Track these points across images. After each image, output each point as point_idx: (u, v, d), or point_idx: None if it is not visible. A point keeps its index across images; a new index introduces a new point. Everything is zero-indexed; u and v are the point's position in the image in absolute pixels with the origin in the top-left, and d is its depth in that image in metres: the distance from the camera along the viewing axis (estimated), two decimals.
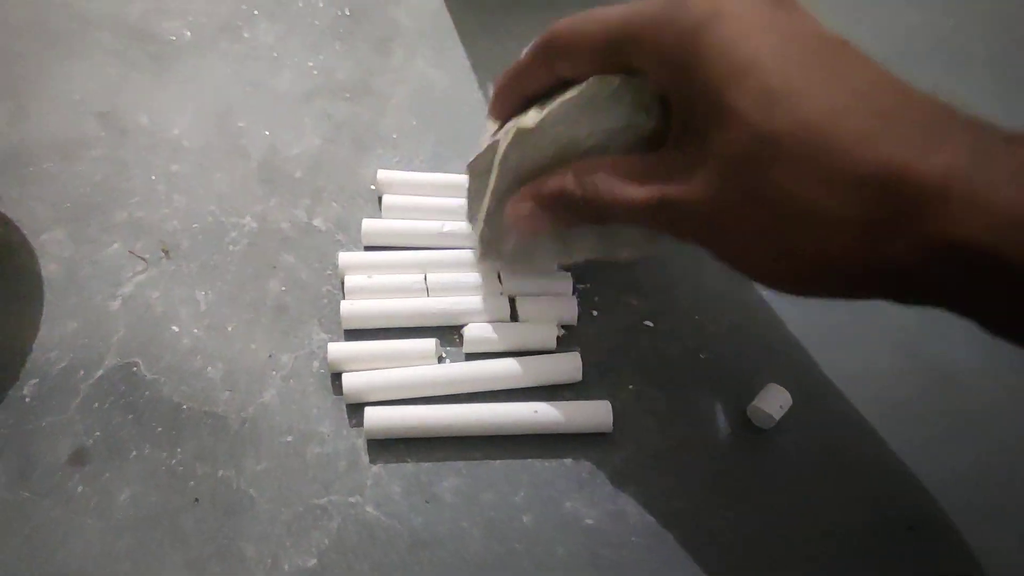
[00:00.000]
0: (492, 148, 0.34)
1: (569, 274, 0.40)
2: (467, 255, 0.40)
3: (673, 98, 0.29)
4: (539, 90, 0.33)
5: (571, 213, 0.32)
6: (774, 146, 0.25)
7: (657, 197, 0.29)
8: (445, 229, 0.41)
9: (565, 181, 0.32)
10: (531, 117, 0.32)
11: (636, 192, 0.29)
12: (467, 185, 0.37)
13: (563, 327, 0.39)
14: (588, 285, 0.41)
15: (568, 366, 0.37)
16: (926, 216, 0.23)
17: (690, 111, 0.28)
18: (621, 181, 0.30)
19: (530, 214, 0.33)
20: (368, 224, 0.41)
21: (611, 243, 0.37)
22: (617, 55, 0.30)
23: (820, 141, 0.24)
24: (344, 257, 0.40)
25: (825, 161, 0.24)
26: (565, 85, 0.32)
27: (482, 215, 0.36)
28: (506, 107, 0.34)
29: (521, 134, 0.32)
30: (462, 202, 0.40)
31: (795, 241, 0.26)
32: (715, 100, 0.26)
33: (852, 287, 0.27)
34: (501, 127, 0.34)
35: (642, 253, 0.38)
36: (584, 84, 0.31)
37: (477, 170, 0.36)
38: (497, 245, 0.37)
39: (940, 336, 0.41)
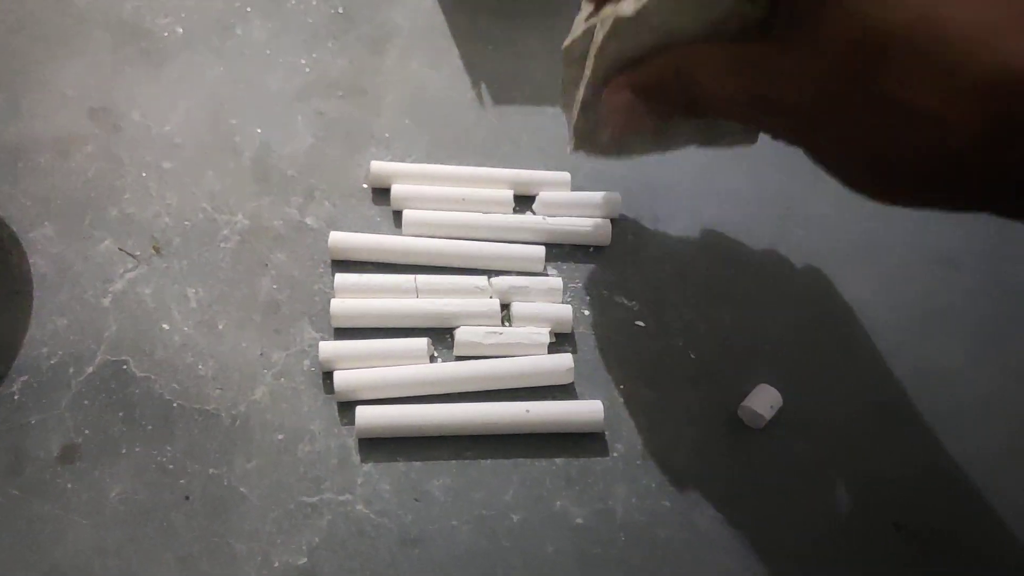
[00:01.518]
0: (589, 33, 0.32)
1: (560, 279, 0.40)
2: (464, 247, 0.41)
3: None
4: None
5: (670, 104, 0.30)
6: (888, 39, 0.23)
7: (757, 89, 0.27)
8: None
9: (664, 70, 0.30)
10: (629, 4, 0.29)
11: (736, 83, 0.28)
12: (562, 71, 0.36)
13: (555, 334, 0.39)
14: (579, 285, 0.41)
15: (560, 369, 0.38)
16: None
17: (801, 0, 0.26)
18: (722, 71, 0.28)
19: (628, 105, 0.31)
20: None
21: (710, 132, 0.36)
22: None
23: (941, 37, 0.22)
24: (334, 236, 0.40)
25: (944, 60, 0.22)
26: None
27: (577, 106, 0.35)
28: None
29: (620, 23, 0.30)
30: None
31: (901, 144, 0.24)
32: None
33: (954, 197, 0.25)
34: (597, 7, 0.32)
35: (740, 143, 0.37)
36: None
37: (572, 56, 0.34)
38: (592, 136, 0.36)
39: (927, 339, 0.41)
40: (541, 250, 0.41)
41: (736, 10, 0.29)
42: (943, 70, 0.23)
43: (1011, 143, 0.22)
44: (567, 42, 0.34)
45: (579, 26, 0.33)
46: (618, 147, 0.37)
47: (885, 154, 0.25)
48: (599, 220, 0.42)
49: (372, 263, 0.41)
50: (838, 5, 0.24)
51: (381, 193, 0.43)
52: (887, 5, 0.23)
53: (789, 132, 0.28)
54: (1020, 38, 0.22)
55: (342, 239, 0.40)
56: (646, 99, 0.31)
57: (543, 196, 0.43)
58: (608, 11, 0.31)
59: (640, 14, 0.29)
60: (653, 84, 0.30)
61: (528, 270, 0.41)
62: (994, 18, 0.22)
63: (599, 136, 0.36)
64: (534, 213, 0.43)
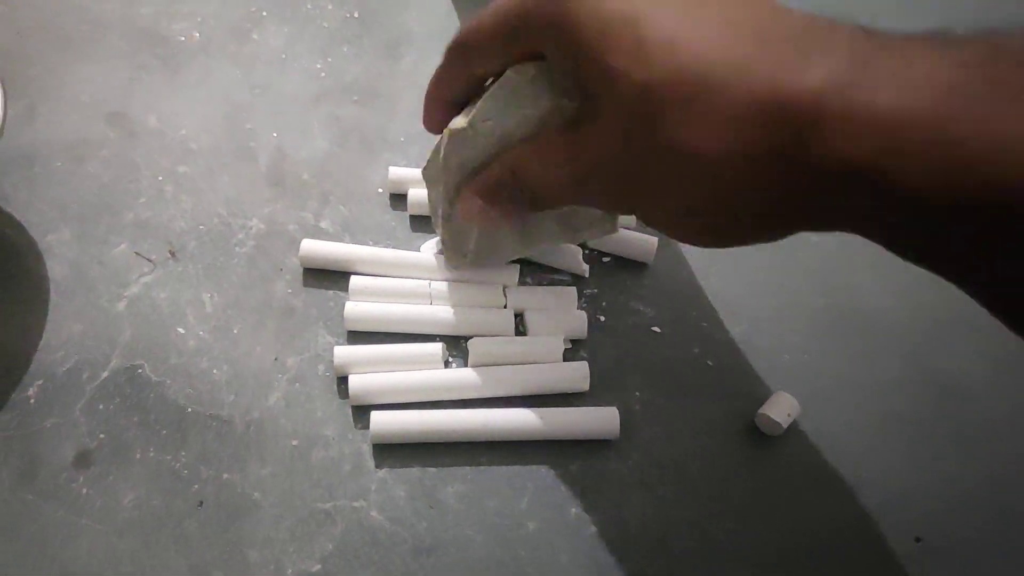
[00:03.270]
0: (437, 150, 0.35)
1: (574, 288, 0.40)
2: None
3: (569, 71, 0.29)
4: (464, 93, 0.33)
5: (513, 202, 0.32)
6: (656, 97, 0.25)
7: (576, 174, 0.29)
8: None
9: (502, 172, 0.32)
10: (460, 119, 0.33)
11: (559, 173, 0.30)
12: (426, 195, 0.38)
13: (571, 341, 0.39)
14: (596, 291, 0.41)
15: (575, 375, 0.37)
16: (809, 140, 0.23)
17: (583, 80, 0.28)
18: (546, 165, 0.30)
19: (479, 210, 0.33)
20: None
21: (570, 226, 0.37)
22: (517, 41, 0.30)
23: (697, 83, 0.24)
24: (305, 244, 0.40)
25: (704, 103, 0.24)
26: (489, 82, 0.32)
27: (439, 219, 0.37)
28: (437, 116, 0.35)
29: (454, 135, 0.33)
30: None
31: (696, 188, 0.26)
32: (597, 62, 0.26)
33: (762, 228, 0.26)
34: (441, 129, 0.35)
35: (602, 232, 0.38)
36: (503, 77, 0.31)
37: (431, 178, 0.37)
38: (460, 246, 0.38)
39: (948, 348, 0.41)
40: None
41: (554, 106, 0.31)
42: (707, 110, 0.24)
43: (781, 169, 0.24)
44: (424, 166, 0.37)
45: (434, 151, 0.36)
46: (487, 252, 0.38)
47: (692, 201, 0.26)
48: (645, 236, 0.42)
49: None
50: (609, 75, 0.26)
51: (398, 198, 0.43)
52: (648, 66, 0.25)
53: (614, 202, 0.30)
54: (763, 67, 0.23)
55: (312, 247, 0.40)
56: (492, 202, 0.33)
57: None
58: (447, 128, 0.34)
59: (470, 124, 0.32)
60: (495, 187, 0.33)
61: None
62: (740, 54, 0.24)
63: (466, 245, 0.38)
64: None
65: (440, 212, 0.37)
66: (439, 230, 0.39)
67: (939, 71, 0.21)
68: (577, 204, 0.32)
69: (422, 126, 0.35)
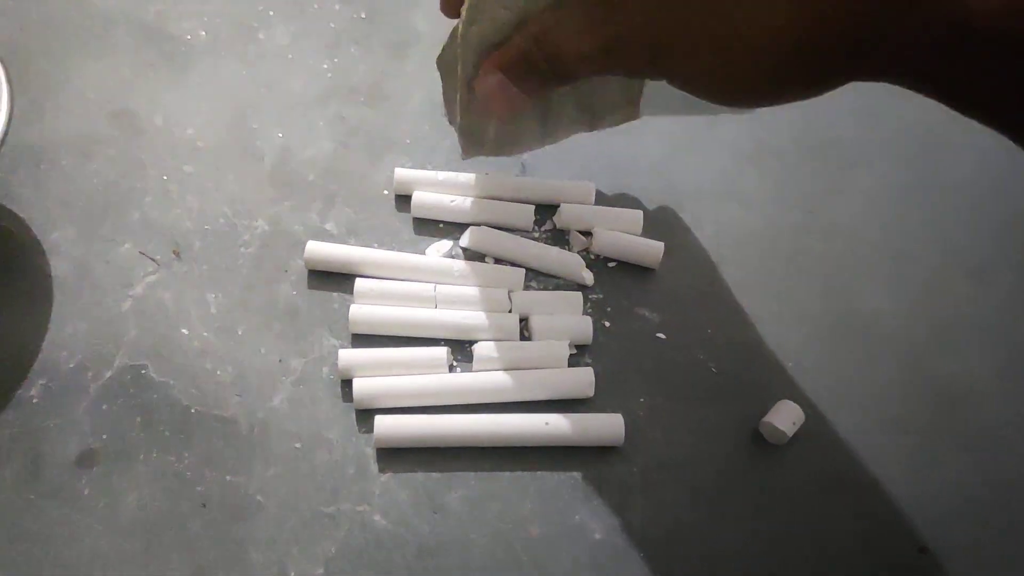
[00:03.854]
0: (453, 35, 0.34)
1: (580, 293, 0.40)
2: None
3: None
4: None
5: (536, 75, 0.32)
6: None
7: (607, 35, 0.28)
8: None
9: (524, 42, 0.31)
10: None
11: (588, 38, 0.29)
12: (440, 86, 0.37)
13: (575, 346, 0.39)
14: (601, 296, 0.41)
15: (580, 382, 0.37)
16: None
17: None
18: (573, 30, 0.29)
19: (499, 86, 0.32)
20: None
21: (591, 111, 0.36)
22: None
23: None
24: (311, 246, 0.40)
25: None
26: None
27: (458, 106, 0.36)
28: None
29: (471, 7, 0.31)
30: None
31: (740, 30, 0.25)
32: None
33: (808, 76, 0.26)
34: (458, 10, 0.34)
35: (623, 119, 0.38)
36: None
37: (446, 66, 0.35)
38: (479, 135, 0.37)
39: (952, 354, 0.41)
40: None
41: None
42: None
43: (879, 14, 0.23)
44: (439, 53, 0.35)
45: (450, 35, 0.34)
46: (507, 141, 0.37)
47: (734, 52, 0.26)
48: (651, 242, 0.42)
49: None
50: None
51: (404, 200, 0.43)
52: None
53: (648, 67, 0.29)
54: None
55: (317, 249, 0.40)
56: (514, 76, 0.32)
57: (564, 208, 0.42)
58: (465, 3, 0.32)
59: None
60: (517, 58, 0.31)
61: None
62: None
63: (486, 133, 0.36)
64: (555, 225, 0.43)
65: (459, 97, 0.35)
66: (455, 120, 0.37)
67: None
68: (604, 73, 0.30)
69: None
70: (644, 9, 0.27)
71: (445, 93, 0.37)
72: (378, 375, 0.37)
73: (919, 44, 0.24)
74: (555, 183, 0.43)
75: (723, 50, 0.27)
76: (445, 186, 0.43)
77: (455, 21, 0.33)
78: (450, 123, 0.39)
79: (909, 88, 0.25)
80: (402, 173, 0.43)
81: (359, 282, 0.39)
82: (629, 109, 0.37)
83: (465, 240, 0.41)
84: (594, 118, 0.37)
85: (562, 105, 0.36)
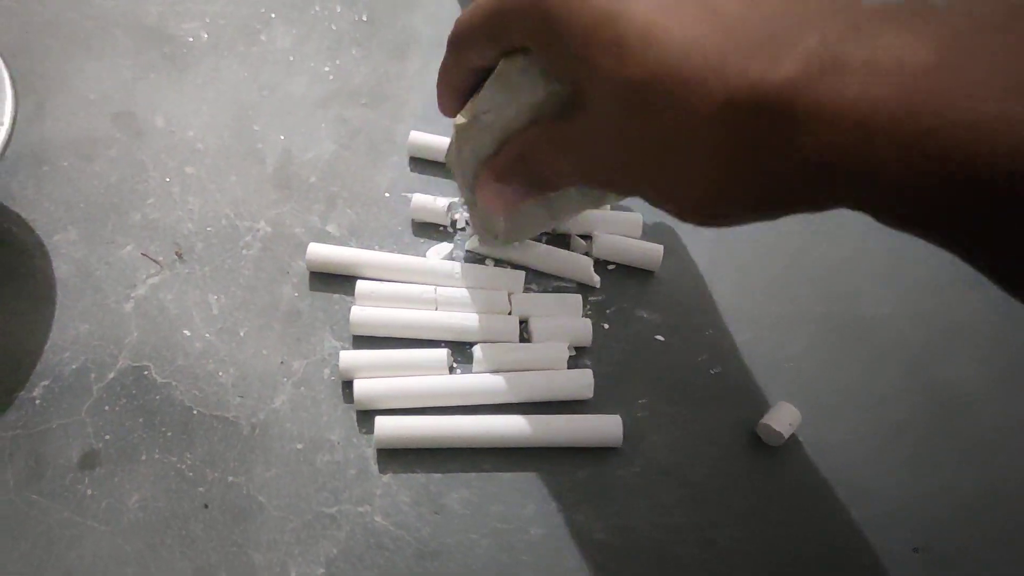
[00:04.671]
0: (453, 141, 0.36)
1: (579, 295, 0.40)
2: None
3: (554, 65, 0.29)
4: (468, 82, 0.34)
5: (527, 184, 0.33)
6: (639, 94, 0.25)
7: (579, 157, 0.29)
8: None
9: (509, 159, 0.33)
10: (462, 114, 0.34)
11: (564, 159, 0.30)
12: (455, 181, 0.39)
13: (575, 348, 0.39)
14: (601, 298, 0.41)
15: (580, 383, 0.37)
16: (785, 134, 0.22)
17: (570, 74, 0.28)
18: (550, 151, 0.31)
19: (497, 193, 0.34)
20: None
21: (591, 194, 0.37)
22: (502, 37, 0.30)
23: (675, 79, 0.24)
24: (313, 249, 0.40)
25: (684, 100, 0.24)
26: (488, 72, 0.33)
27: (466, 207, 0.38)
28: (448, 104, 0.35)
29: (460, 130, 0.34)
30: None
31: (686, 177, 0.26)
32: (580, 60, 0.26)
33: (756, 211, 0.26)
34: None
35: (623, 197, 0.39)
36: (497, 68, 0.32)
37: (453, 164, 0.37)
38: (490, 228, 0.39)
39: (949, 358, 0.41)
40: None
41: (548, 93, 0.31)
42: (686, 107, 0.24)
43: (762, 159, 0.24)
44: (446, 156, 0.38)
45: (452, 138, 0.36)
46: (517, 230, 0.39)
47: (689, 187, 0.26)
48: (651, 244, 0.42)
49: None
50: (593, 72, 0.26)
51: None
52: (627, 64, 0.25)
53: (620, 187, 0.29)
54: (737, 60, 0.23)
55: (319, 251, 0.40)
56: (508, 184, 0.33)
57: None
58: (453, 123, 0.34)
59: (473, 117, 0.33)
60: (507, 172, 0.33)
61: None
62: (715, 46, 0.23)
63: (495, 227, 0.39)
64: (555, 229, 0.43)
65: (465, 198, 0.38)
66: (468, 213, 0.40)
67: (910, 53, 0.21)
68: (586, 186, 0.32)
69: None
70: (590, 154, 0.29)
71: (458, 184, 0.39)
72: (379, 376, 0.37)
73: (805, 191, 0.24)
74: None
75: (674, 196, 0.27)
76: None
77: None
78: (466, 211, 0.42)
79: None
80: (417, 136, 0.44)
81: (360, 284, 0.39)
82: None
83: (471, 244, 0.41)
84: (597, 199, 0.38)
85: (564, 192, 0.37)
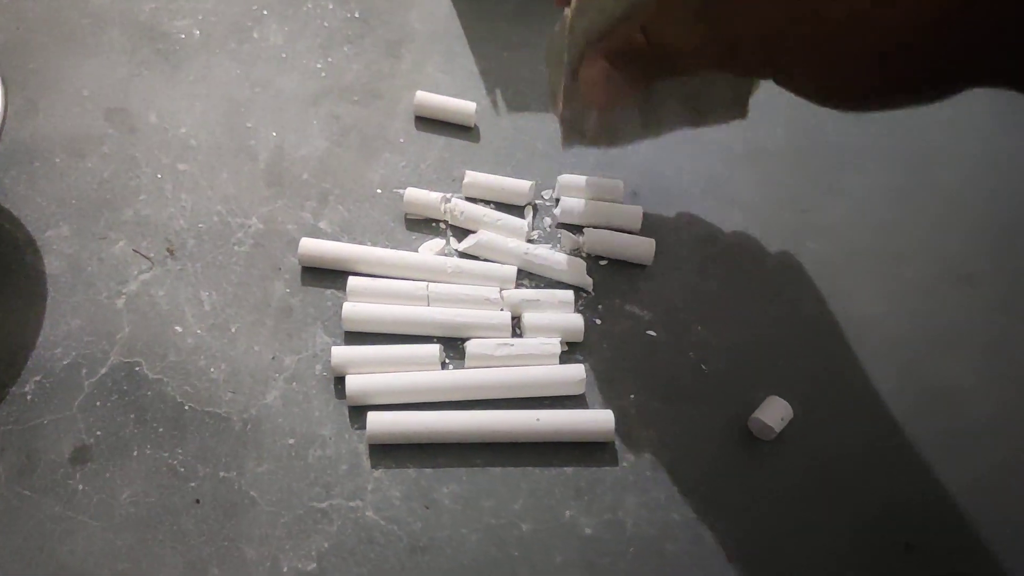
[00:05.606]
0: (562, 25, 0.33)
1: (571, 291, 0.40)
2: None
3: None
4: None
5: (642, 66, 0.30)
6: None
7: (720, 30, 0.27)
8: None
9: (632, 31, 0.30)
10: None
11: (701, 30, 0.28)
12: (547, 77, 0.36)
13: (567, 343, 0.39)
14: (593, 294, 0.41)
15: (572, 379, 0.37)
16: None
17: None
18: (685, 21, 0.28)
19: (604, 75, 0.31)
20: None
21: (696, 107, 0.35)
22: None
23: None
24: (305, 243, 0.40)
25: None
26: None
27: (562, 94, 0.35)
28: None
29: (581, 2, 0.31)
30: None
31: (856, 35, 0.24)
32: None
33: (931, 79, 0.24)
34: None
35: (730, 117, 0.36)
36: None
37: (552, 57, 0.35)
38: (579, 124, 0.36)
39: (940, 355, 0.41)
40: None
41: None
42: None
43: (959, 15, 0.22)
44: (547, 44, 0.35)
45: (558, 27, 0.34)
46: (608, 132, 0.36)
47: (847, 51, 0.24)
48: (643, 239, 0.42)
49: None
50: None
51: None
52: None
53: (759, 65, 0.28)
54: None
55: (311, 246, 0.40)
56: (620, 65, 0.31)
57: (564, 202, 0.43)
58: None
59: None
60: (624, 47, 0.30)
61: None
62: None
63: (586, 123, 0.36)
64: (554, 220, 0.43)
65: (562, 84, 0.35)
66: (557, 109, 0.37)
67: None
68: (713, 69, 0.29)
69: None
70: (755, 3, 0.26)
71: (551, 84, 0.36)
72: (371, 372, 0.37)
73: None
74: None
75: (836, 42, 0.25)
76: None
77: (564, 12, 0.33)
78: (554, 113, 0.38)
79: None
80: (423, 96, 0.45)
81: (352, 280, 0.39)
82: (737, 108, 0.36)
83: (465, 245, 0.41)
84: (699, 115, 0.36)
85: (665, 99, 0.35)
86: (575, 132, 0.37)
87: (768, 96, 0.34)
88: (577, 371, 0.38)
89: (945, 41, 0.23)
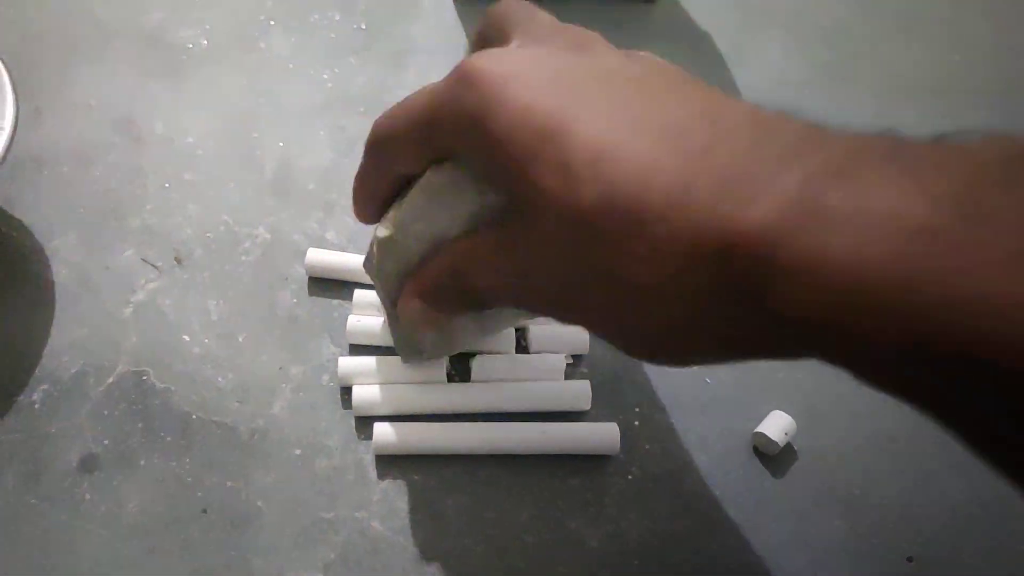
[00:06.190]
0: (370, 253, 0.33)
1: None
2: None
3: (488, 179, 0.26)
4: (388, 191, 0.31)
5: (454, 303, 0.30)
6: (588, 226, 0.22)
7: (516, 273, 0.26)
8: None
9: (440, 272, 0.29)
10: (385, 225, 0.31)
11: (501, 272, 0.27)
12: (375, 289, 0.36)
13: (572, 356, 0.40)
14: None
15: (578, 395, 0.38)
16: (760, 285, 0.20)
17: (505, 190, 0.25)
18: (484, 264, 0.27)
19: (420, 311, 0.31)
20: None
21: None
22: (431, 143, 0.27)
23: (631, 213, 0.21)
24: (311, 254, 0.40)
25: (641, 237, 0.21)
26: (413, 180, 0.30)
27: (388, 321, 0.35)
28: (367, 211, 0.32)
29: (383, 244, 0.31)
30: None
31: (643, 314, 0.23)
32: (520, 178, 0.23)
33: (717, 356, 0.24)
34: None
35: None
36: (423, 177, 0.29)
37: (372, 278, 0.35)
38: (413, 345, 0.36)
39: None
40: None
41: (482, 203, 0.28)
42: (644, 244, 0.21)
43: (730, 305, 0.21)
44: (364, 263, 0.34)
45: (368, 247, 0.33)
46: (446, 344, 0.36)
47: (640, 327, 0.24)
48: None
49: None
50: (535, 196, 0.23)
51: None
52: (576, 190, 0.22)
53: (562, 316, 0.27)
54: (704, 195, 0.21)
55: (318, 257, 0.40)
56: (433, 303, 0.30)
57: None
58: (374, 235, 0.31)
59: (397, 230, 0.30)
60: (434, 288, 0.30)
61: None
62: (677, 174, 0.21)
63: (422, 343, 0.35)
64: None
65: (384, 314, 0.34)
66: (389, 329, 0.36)
67: (903, 206, 0.18)
68: (521, 308, 0.29)
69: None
70: (529, 276, 0.26)
71: (378, 295, 0.36)
72: (377, 383, 0.37)
73: (791, 345, 0.21)
74: None
75: (621, 333, 0.25)
76: None
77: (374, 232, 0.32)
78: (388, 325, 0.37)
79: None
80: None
81: (358, 293, 0.39)
82: None
83: None
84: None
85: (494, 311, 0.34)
86: (413, 352, 0.36)
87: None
88: (583, 387, 0.38)
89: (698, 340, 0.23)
